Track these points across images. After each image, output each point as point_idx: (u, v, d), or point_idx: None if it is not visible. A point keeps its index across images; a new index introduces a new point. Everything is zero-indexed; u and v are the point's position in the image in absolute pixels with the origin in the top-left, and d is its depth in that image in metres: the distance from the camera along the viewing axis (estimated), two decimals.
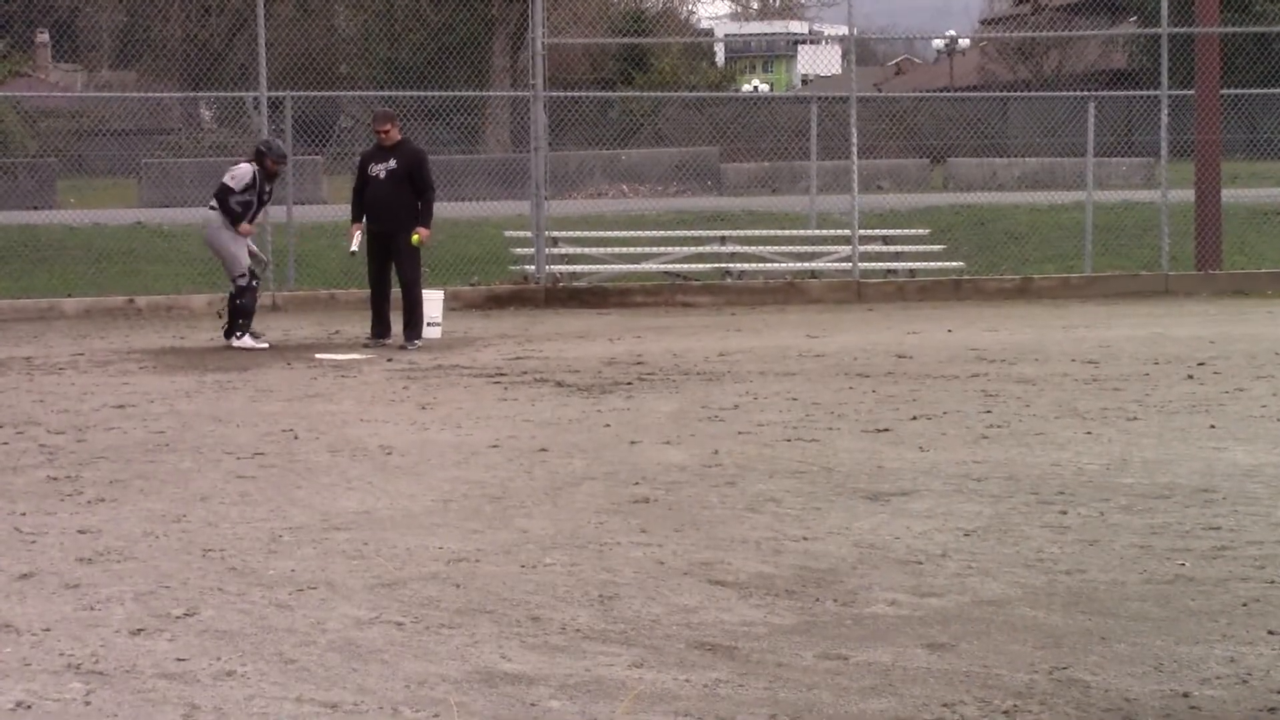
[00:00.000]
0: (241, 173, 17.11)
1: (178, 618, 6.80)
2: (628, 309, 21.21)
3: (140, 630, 6.63)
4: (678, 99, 39.72)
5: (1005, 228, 26.20)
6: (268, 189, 17.36)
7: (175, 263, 23.95)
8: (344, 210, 18.52)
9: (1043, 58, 48.64)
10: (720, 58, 53.70)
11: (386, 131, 17.28)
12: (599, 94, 37.05)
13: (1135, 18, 40.60)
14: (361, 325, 18.40)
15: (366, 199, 17.23)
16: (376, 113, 18.07)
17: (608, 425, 11.66)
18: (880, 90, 50.09)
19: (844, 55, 24.46)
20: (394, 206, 17.05)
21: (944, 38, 56.26)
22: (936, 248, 23.90)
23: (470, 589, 7.23)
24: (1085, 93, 26.99)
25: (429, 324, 17.50)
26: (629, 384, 13.77)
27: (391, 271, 17.30)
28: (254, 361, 15.71)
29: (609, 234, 24.72)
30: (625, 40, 41.74)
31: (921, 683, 5.85)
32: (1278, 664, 6.10)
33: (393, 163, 17.11)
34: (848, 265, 23.05)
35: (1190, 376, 13.72)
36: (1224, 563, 7.56)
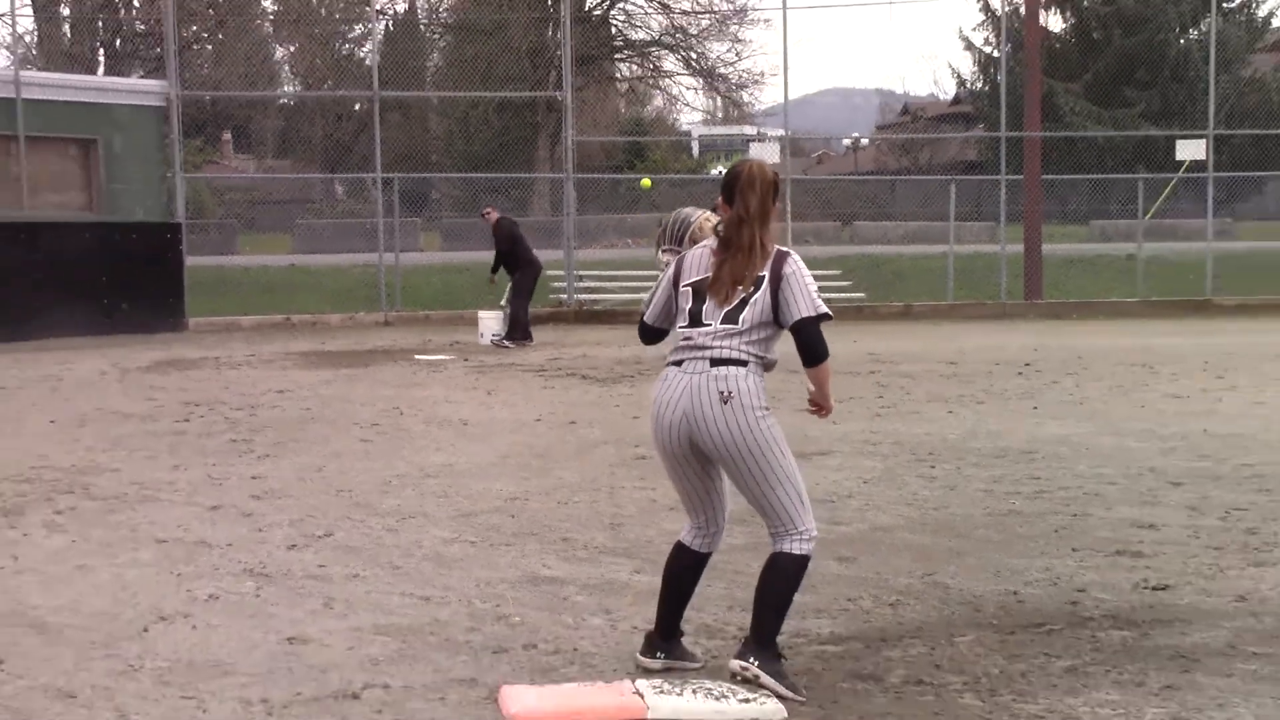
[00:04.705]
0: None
1: (319, 537, 6.85)
2: (631, 327, 21.16)
3: (294, 546, 6.67)
4: (666, 179, 39.70)
5: (893, 269, 26.22)
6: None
7: (318, 292, 24.00)
8: (436, 256, 18.43)
9: (919, 152, 48.64)
10: (695, 150, 53.73)
11: (486, 215, 18.17)
12: (611, 175, 37.04)
13: (982, 125, 40.58)
14: (444, 336, 18.50)
15: None
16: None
17: (617, 406, 11.68)
18: (806, 174, 50.13)
19: (781, 149, 24.48)
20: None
21: (850, 137, 56.36)
22: (845, 283, 23.90)
23: (521, 519, 7.27)
24: (948, 177, 27.07)
25: (492, 336, 17.58)
26: (632, 377, 13.79)
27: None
28: (374, 361, 15.74)
29: (619, 273, 24.76)
30: (629, 138, 41.76)
31: (833, 584, 5.89)
32: (1078, 571, 6.14)
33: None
34: None
35: (1020, 374, 13.76)
36: (1042, 502, 7.61)
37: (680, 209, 4.80)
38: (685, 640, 4.84)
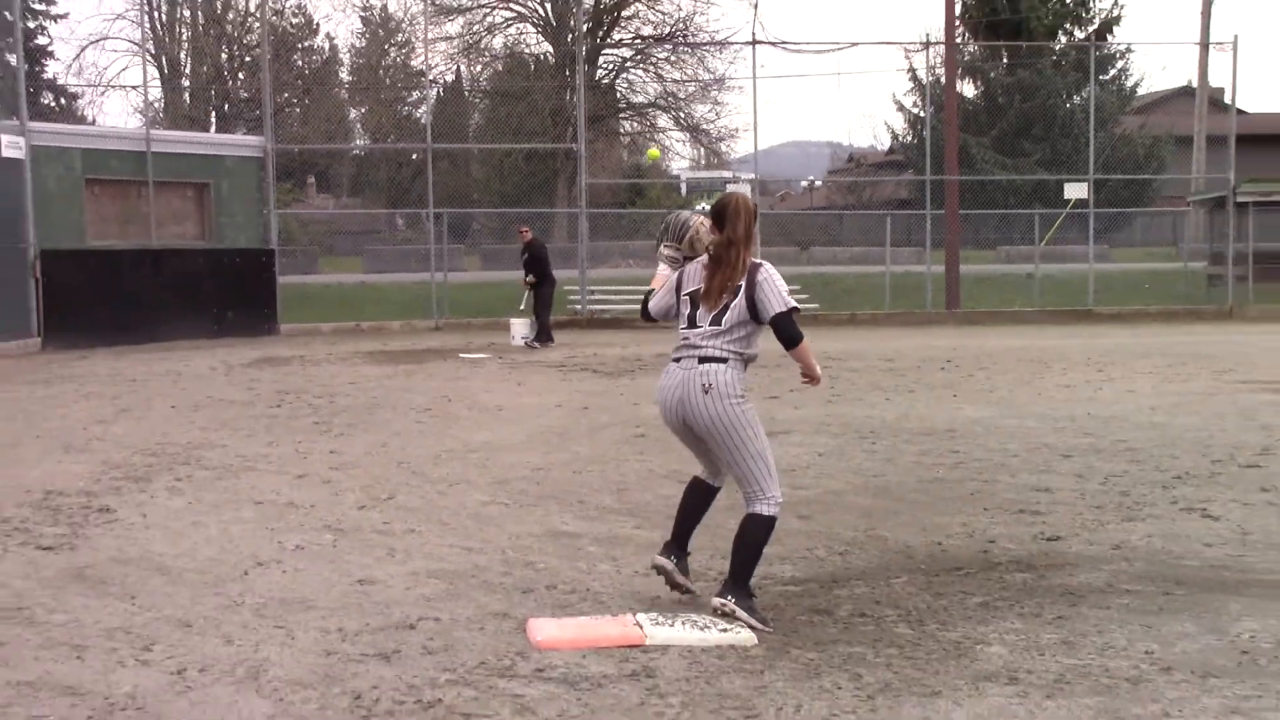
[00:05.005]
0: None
1: (384, 500, 6.83)
2: (632, 331, 21.20)
3: (363, 507, 6.66)
4: (659, 214, 39.72)
5: (842, 286, 26.20)
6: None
7: (382, 304, 23.98)
8: (476, 275, 18.40)
9: (862, 192, 48.54)
10: (684, 190, 53.77)
11: (522, 233, 17.94)
12: (616, 210, 36.93)
13: (911, 170, 40.51)
14: (483, 339, 18.48)
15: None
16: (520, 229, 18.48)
17: (622, 394, 11.67)
18: (772, 209, 50.08)
19: (752, 189, 24.47)
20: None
21: (807, 180, 56.19)
22: (803, 297, 23.80)
23: (545, 485, 7.25)
24: (885, 211, 27.02)
25: (522, 338, 17.56)
26: (632, 371, 13.79)
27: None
28: (427, 359, 15.72)
29: (623, 288, 24.72)
30: (630, 181, 41.66)
31: (794, 537, 5.87)
32: (989, 526, 6.13)
33: (526, 255, 17.48)
34: None
35: (942, 368, 13.75)
36: (960, 471, 7.59)
37: (680, 211, 4.81)
38: (669, 571, 4.81)
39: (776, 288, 4.48)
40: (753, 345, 4.58)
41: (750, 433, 4.50)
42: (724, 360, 4.49)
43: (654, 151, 14.64)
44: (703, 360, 4.50)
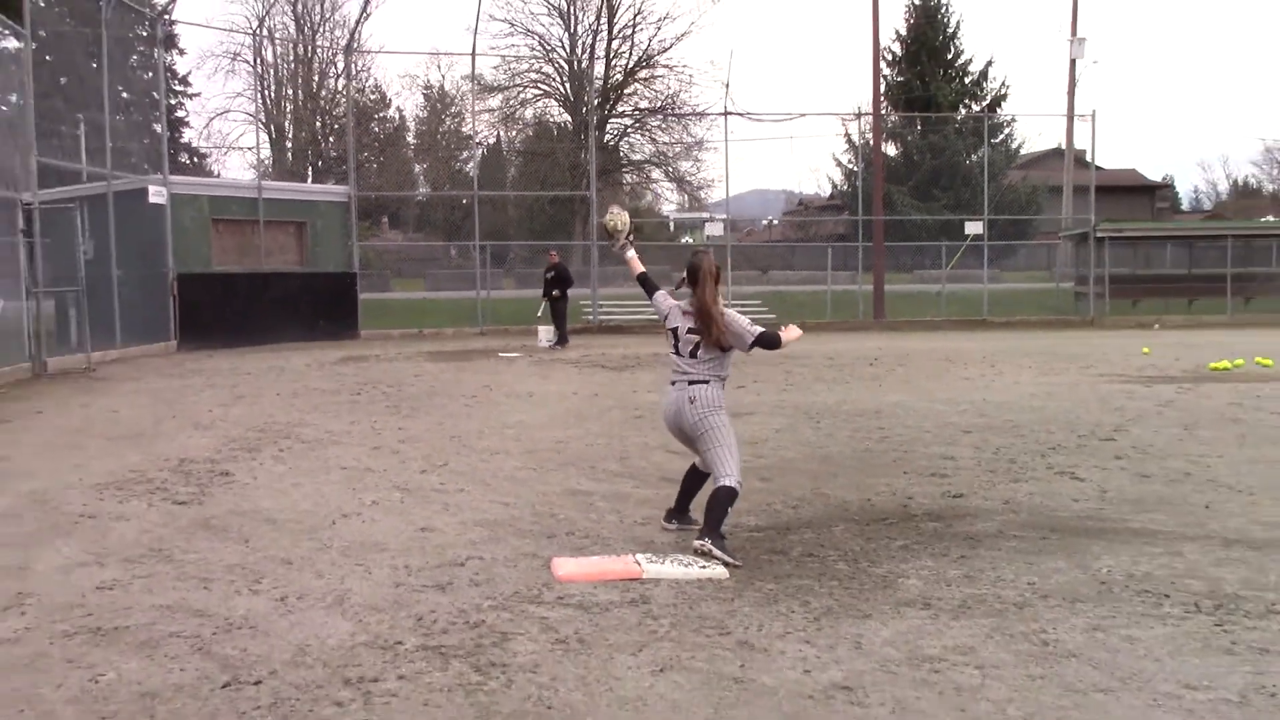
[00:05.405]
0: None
1: (440, 466, 6.80)
2: (635, 335, 21.15)
3: (424, 471, 6.63)
4: (655, 245, 39.48)
5: (794, 301, 26.13)
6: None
7: (440, 314, 23.90)
8: (511, 292, 18.30)
9: (809, 228, 48.38)
10: (672, 227, 53.47)
11: (551, 256, 17.86)
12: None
13: (847, 211, 40.43)
14: (517, 342, 18.41)
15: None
16: (550, 252, 18.42)
17: (625, 384, 11.63)
18: (740, 242, 49.92)
19: (725, 226, 24.42)
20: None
21: (767, 219, 56.02)
22: (764, 309, 23.75)
23: (564, 454, 7.23)
24: (827, 243, 26.96)
25: (547, 341, 17.48)
26: (633, 367, 13.74)
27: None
28: (473, 357, 15.67)
29: (625, 303, 24.66)
30: (634, 220, 41.56)
31: (757, 495, 5.85)
32: (908, 486, 6.11)
33: (552, 274, 17.28)
34: None
35: (871, 364, 13.71)
36: (886, 444, 7.57)
37: (607, 218, 5.17)
38: (671, 531, 4.92)
39: (742, 326, 4.62)
40: (725, 368, 4.74)
41: (722, 430, 4.67)
42: (706, 382, 4.67)
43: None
44: (691, 384, 4.65)
